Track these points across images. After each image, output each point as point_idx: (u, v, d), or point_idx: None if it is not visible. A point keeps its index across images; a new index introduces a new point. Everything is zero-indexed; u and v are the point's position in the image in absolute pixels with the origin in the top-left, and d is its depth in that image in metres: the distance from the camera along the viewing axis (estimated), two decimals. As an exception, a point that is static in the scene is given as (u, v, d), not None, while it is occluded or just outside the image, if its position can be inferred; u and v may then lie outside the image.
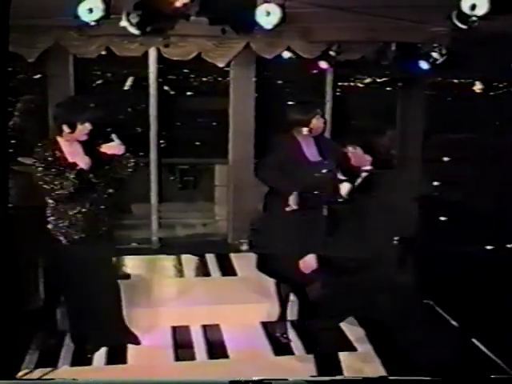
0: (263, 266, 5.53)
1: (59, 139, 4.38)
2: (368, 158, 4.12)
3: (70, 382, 3.90)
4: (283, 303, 5.15)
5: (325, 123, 4.78)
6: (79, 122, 4.31)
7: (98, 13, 4.24)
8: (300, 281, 4.57)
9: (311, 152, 4.80)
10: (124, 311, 4.92)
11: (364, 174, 4.19)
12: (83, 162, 4.29)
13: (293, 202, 4.74)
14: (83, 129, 4.33)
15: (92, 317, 4.56)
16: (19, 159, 6.14)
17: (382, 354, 4.70)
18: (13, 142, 5.90)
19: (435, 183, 7.07)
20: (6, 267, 3.54)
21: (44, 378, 4.32)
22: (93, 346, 4.67)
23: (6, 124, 3.35)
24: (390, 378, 4.22)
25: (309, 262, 4.12)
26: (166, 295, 5.22)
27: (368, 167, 4.09)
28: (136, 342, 4.78)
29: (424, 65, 6.04)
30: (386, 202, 5.04)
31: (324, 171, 4.73)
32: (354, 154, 4.15)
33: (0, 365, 3.87)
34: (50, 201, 4.39)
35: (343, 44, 6.14)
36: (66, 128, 4.31)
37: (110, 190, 4.51)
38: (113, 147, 4.41)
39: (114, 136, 4.42)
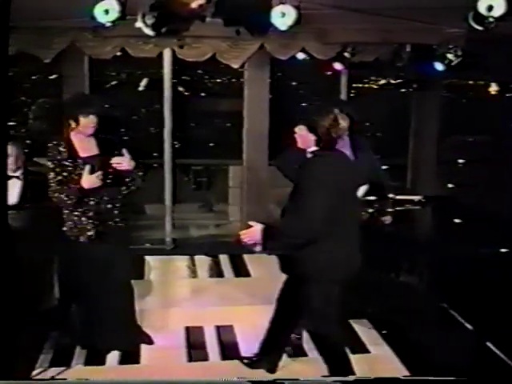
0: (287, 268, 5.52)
1: (71, 135, 4.40)
2: (312, 137, 4.01)
3: (76, 382, 3.93)
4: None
5: (350, 123, 4.71)
6: (82, 115, 4.30)
7: (114, 14, 4.26)
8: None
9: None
10: (137, 311, 4.95)
11: (310, 155, 4.06)
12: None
13: None
14: (87, 122, 4.31)
15: (105, 318, 4.57)
16: (35, 159, 6.20)
17: (397, 356, 4.69)
18: (28, 142, 5.95)
19: (450, 185, 7.04)
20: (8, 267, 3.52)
21: (57, 377, 4.34)
22: (105, 348, 4.67)
23: (5, 124, 3.35)
24: (402, 378, 4.23)
25: (252, 234, 3.77)
26: (180, 296, 5.23)
27: (313, 148, 4.00)
28: (149, 341, 4.79)
29: (439, 66, 6.01)
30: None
31: None
32: (300, 135, 4.06)
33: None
34: (65, 199, 4.40)
35: (358, 45, 6.13)
36: (72, 122, 4.33)
37: (123, 191, 4.52)
38: (123, 161, 4.36)
39: (124, 151, 4.39)
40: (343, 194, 3.84)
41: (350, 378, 4.02)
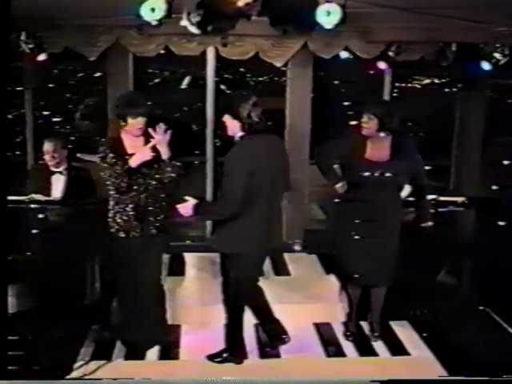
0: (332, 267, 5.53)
1: (121, 133, 4.46)
2: (237, 123, 4.15)
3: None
4: (350, 304, 5.12)
5: (379, 124, 4.70)
6: (130, 116, 4.35)
7: (160, 12, 4.30)
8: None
9: (376, 152, 4.75)
10: (176, 308, 4.99)
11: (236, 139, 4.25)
12: (141, 155, 4.35)
13: (340, 188, 4.84)
14: (135, 123, 4.36)
15: (142, 313, 4.61)
16: (78, 155, 6.29)
17: (438, 358, 4.65)
18: (72, 138, 6.04)
19: (494, 187, 6.91)
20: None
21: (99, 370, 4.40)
22: (141, 344, 4.72)
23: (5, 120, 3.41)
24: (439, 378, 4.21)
25: (187, 207, 4.18)
26: (219, 293, 5.24)
27: (240, 133, 4.17)
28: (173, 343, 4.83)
29: (485, 66, 5.91)
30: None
31: (377, 173, 4.69)
32: (227, 121, 4.20)
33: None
34: (112, 192, 4.45)
35: (402, 44, 6.05)
36: (121, 122, 4.39)
37: (164, 188, 4.55)
38: (161, 138, 4.41)
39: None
40: (263, 175, 4.15)
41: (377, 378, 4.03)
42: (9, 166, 3.51)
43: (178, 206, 4.22)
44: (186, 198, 4.21)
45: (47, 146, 5.51)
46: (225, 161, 4.25)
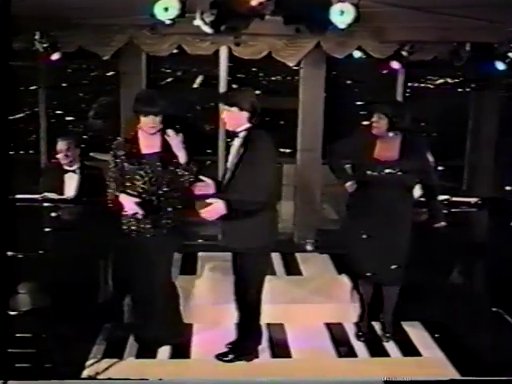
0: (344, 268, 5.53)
1: (138, 132, 4.46)
2: (245, 115, 4.24)
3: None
4: (362, 304, 5.11)
5: (389, 124, 4.70)
6: (142, 114, 4.34)
7: (174, 12, 4.31)
8: None
9: (385, 152, 4.74)
10: (190, 307, 5.00)
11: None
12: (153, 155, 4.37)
13: (349, 187, 4.85)
14: (147, 121, 4.35)
15: (155, 312, 4.62)
16: (91, 154, 6.32)
17: (450, 359, 4.64)
18: (85, 137, 6.07)
19: (507, 187, 6.87)
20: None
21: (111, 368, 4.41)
22: (152, 342, 4.73)
23: (7, 120, 3.42)
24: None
25: (217, 209, 4.11)
26: (232, 292, 5.24)
27: (246, 125, 4.25)
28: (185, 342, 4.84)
29: (500, 65, 5.88)
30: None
31: (385, 172, 4.68)
32: (233, 113, 4.25)
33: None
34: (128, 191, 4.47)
35: (416, 44, 6.03)
36: (136, 120, 4.40)
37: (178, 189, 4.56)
38: (175, 140, 4.41)
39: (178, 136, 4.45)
40: None
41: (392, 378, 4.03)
42: (11, 165, 3.51)
43: (204, 210, 4.14)
44: (209, 200, 4.14)
45: (61, 145, 5.53)
46: (255, 151, 4.20)
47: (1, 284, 3.47)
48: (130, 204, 4.37)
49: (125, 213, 4.46)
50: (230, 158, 4.35)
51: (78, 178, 5.57)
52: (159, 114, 4.36)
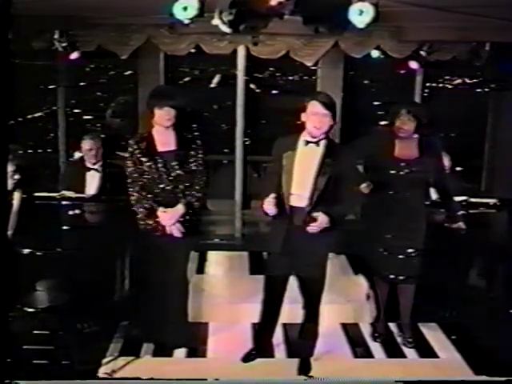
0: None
1: (152, 129, 4.45)
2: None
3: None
4: (378, 305, 5.09)
5: (418, 125, 4.66)
6: (156, 106, 4.32)
7: (193, 11, 4.32)
8: None
9: (405, 151, 4.72)
10: (204, 306, 5.00)
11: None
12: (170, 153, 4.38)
13: (364, 189, 4.79)
14: (162, 114, 4.32)
15: (170, 312, 4.62)
16: (117, 153, 6.34)
17: (467, 361, 4.61)
18: (103, 136, 6.09)
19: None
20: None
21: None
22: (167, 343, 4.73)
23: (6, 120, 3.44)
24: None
25: (323, 223, 4.11)
26: (248, 291, 5.24)
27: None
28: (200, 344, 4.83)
29: (520, 66, 5.84)
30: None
31: (406, 171, 4.66)
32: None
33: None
34: (141, 190, 4.47)
35: (434, 44, 6.00)
36: (150, 114, 4.38)
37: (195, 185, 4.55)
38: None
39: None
40: None
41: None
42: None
43: (313, 225, 4.13)
44: (315, 214, 4.13)
45: (89, 144, 5.56)
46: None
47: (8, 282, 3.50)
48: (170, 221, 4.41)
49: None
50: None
51: (100, 177, 5.59)
52: (174, 106, 4.34)
